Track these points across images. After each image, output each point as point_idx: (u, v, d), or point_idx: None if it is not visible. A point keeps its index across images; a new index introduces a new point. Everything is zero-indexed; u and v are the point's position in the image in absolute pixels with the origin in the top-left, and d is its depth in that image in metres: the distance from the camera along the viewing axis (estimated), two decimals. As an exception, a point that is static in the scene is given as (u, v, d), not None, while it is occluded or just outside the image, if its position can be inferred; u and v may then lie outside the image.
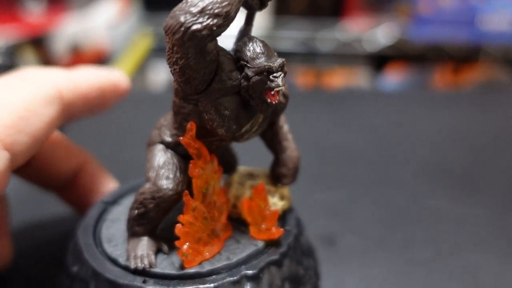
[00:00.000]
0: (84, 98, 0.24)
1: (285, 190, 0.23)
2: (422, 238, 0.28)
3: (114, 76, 0.27)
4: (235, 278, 0.18)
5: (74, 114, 0.24)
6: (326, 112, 0.55)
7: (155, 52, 1.03)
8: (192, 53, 0.17)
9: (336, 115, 0.54)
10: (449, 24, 1.19)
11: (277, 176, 0.22)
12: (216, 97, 0.18)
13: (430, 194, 0.34)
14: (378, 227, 0.29)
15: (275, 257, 0.20)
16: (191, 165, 0.19)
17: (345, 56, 1.33)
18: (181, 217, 0.19)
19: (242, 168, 0.24)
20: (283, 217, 0.22)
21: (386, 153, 0.42)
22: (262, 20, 1.20)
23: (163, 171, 0.20)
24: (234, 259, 0.20)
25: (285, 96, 0.21)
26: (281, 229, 0.20)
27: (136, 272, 0.19)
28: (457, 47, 1.30)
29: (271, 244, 0.20)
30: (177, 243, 0.19)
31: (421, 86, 1.25)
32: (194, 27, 0.16)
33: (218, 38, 0.18)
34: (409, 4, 1.20)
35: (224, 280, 0.18)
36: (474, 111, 0.55)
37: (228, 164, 0.24)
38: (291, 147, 0.22)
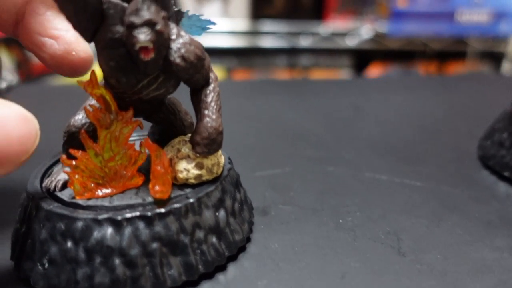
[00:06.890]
0: None
1: (209, 161, 0.23)
2: (356, 206, 0.28)
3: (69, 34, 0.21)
4: (89, 216, 0.19)
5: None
6: (282, 97, 0.56)
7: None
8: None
9: (292, 100, 0.55)
10: (427, 17, 1.20)
11: (192, 143, 0.22)
12: (101, 48, 0.19)
13: (372, 168, 0.34)
14: (312, 198, 0.29)
15: (139, 213, 0.20)
16: (85, 109, 0.20)
17: (327, 52, 1.33)
18: (72, 151, 0.21)
19: (189, 135, 0.24)
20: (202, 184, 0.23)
21: (336, 133, 0.43)
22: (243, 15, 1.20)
23: (80, 111, 0.22)
24: (114, 203, 0.20)
25: (185, 59, 0.20)
26: (162, 190, 0.20)
27: (48, 191, 0.22)
28: (438, 41, 1.31)
29: (157, 202, 0.21)
30: (66, 172, 0.21)
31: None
32: None
33: None
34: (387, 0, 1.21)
35: (88, 216, 0.19)
36: (427, 95, 0.58)
37: (174, 128, 0.25)
38: (212, 117, 0.21)
